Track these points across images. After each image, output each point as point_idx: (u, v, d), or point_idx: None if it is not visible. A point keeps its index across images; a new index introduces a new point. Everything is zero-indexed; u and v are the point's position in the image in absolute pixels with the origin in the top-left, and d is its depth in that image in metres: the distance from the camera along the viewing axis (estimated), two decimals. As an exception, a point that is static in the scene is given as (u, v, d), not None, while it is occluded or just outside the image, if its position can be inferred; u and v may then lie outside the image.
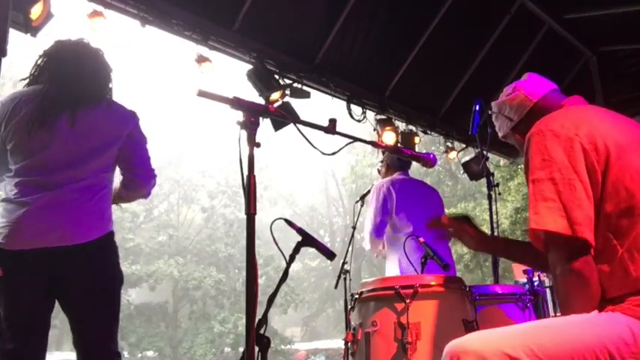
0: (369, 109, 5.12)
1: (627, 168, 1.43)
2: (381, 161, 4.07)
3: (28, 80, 2.38)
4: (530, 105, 1.71)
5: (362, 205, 4.01)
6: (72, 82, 2.32)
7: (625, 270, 1.39)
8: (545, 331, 1.35)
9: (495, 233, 3.28)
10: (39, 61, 2.39)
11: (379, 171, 4.12)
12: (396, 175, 3.88)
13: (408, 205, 3.72)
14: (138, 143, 2.44)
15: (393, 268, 3.70)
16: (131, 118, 2.44)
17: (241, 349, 1.54)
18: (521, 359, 1.26)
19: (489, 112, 1.90)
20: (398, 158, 3.90)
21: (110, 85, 2.48)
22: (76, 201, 2.21)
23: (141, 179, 2.46)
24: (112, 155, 2.36)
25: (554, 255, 1.43)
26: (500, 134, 1.87)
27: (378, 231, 3.73)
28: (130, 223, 27.45)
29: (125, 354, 25.22)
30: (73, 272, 2.20)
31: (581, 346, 1.29)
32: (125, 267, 21.69)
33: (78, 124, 2.27)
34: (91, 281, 2.22)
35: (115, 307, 2.32)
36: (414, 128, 5.60)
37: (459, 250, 17.34)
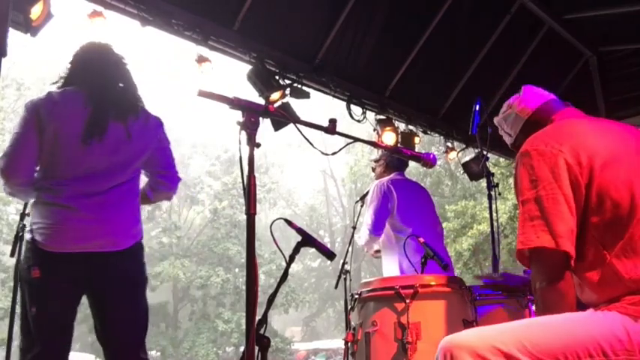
0: (369, 109, 5.12)
1: (613, 179, 1.46)
2: (377, 160, 4.07)
3: (61, 81, 2.38)
4: (523, 121, 1.78)
5: (362, 206, 4.01)
6: (113, 90, 2.37)
7: (616, 274, 1.42)
8: (538, 328, 1.37)
9: (495, 231, 3.28)
10: (71, 64, 2.40)
11: (374, 170, 4.12)
12: (394, 176, 3.88)
13: (408, 206, 3.72)
14: (166, 147, 2.54)
15: (392, 268, 3.70)
16: (159, 123, 2.51)
17: (242, 349, 1.54)
18: (513, 354, 1.29)
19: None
20: (398, 158, 3.90)
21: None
22: (120, 204, 2.27)
23: (169, 181, 2.55)
24: (143, 160, 2.42)
25: (535, 270, 1.48)
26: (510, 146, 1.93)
27: (377, 228, 3.71)
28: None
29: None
30: (110, 274, 2.24)
31: (573, 342, 1.31)
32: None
33: (131, 134, 2.33)
34: (126, 282, 2.30)
35: (145, 304, 2.40)
36: (414, 128, 5.59)
37: (458, 248, 17.34)
